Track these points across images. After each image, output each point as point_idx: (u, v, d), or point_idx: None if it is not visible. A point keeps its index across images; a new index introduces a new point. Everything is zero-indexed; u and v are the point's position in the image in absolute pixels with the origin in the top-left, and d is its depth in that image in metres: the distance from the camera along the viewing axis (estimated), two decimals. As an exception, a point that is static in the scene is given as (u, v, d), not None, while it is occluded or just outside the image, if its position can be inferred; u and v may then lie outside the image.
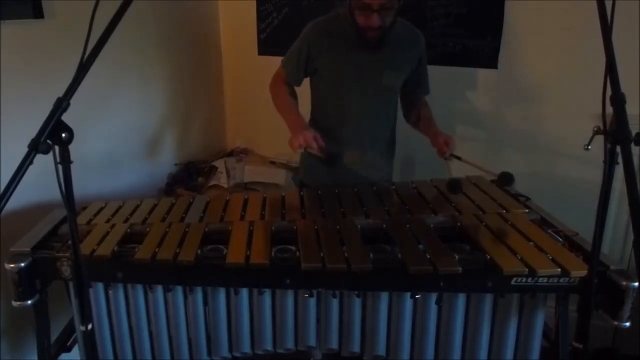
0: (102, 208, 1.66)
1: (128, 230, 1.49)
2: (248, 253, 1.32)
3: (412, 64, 1.79)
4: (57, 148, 0.90)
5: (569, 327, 1.30)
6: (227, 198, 1.71)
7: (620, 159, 0.89)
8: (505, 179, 1.63)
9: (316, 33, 1.74)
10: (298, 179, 2.07)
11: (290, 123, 1.68)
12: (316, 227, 1.45)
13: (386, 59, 1.73)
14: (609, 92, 0.91)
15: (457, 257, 1.28)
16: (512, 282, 1.22)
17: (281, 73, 1.85)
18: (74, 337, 1.57)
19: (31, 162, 0.85)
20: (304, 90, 1.88)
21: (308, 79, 1.85)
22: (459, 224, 1.47)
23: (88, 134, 1.94)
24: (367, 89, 1.75)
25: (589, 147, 1.00)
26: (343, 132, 1.80)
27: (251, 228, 1.47)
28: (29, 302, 1.34)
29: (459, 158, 1.65)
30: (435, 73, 2.33)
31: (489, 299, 1.31)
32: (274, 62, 1.91)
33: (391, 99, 1.84)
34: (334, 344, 1.38)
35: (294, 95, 1.85)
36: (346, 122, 1.79)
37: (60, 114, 0.89)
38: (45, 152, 0.86)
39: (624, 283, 1.16)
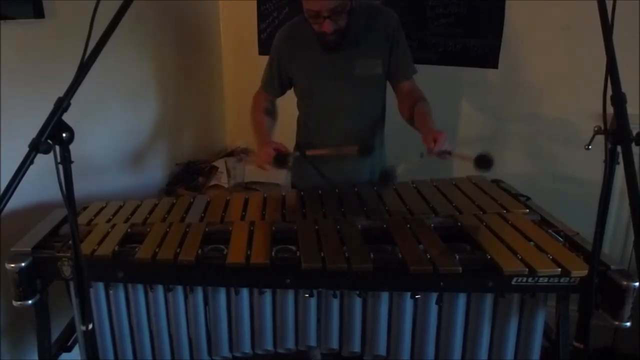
0: (102, 208, 1.66)
1: (129, 230, 1.49)
2: (248, 253, 1.33)
3: (385, 46, 1.73)
4: (57, 148, 0.90)
5: (570, 326, 1.30)
6: (228, 198, 1.71)
7: (621, 159, 0.89)
8: (482, 162, 1.49)
9: (283, 41, 1.76)
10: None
11: (256, 142, 1.72)
12: (316, 227, 1.45)
13: (356, 49, 1.70)
14: (609, 92, 0.91)
15: (457, 257, 1.28)
16: (513, 282, 1.23)
17: (258, 93, 1.88)
18: (74, 337, 1.57)
19: (32, 162, 0.85)
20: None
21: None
22: (459, 223, 1.47)
23: (88, 133, 1.94)
24: (343, 85, 1.74)
25: (590, 147, 1.00)
26: (328, 132, 1.80)
27: (252, 228, 1.47)
28: (30, 302, 1.34)
29: (449, 153, 1.52)
30: (436, 73, 2.34)
31: (489, 298, 1.31)
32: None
33: (372, 90, 1.79)
34: (335, 344, 1.38)
35: (273, 111, 1.86)
36: (329, 121, 1.79)
37: (61, 114, 0.89)
38: (46, 152, 0.86)
39: (625, 283, 1.16)
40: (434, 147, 1.48)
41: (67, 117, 0.90)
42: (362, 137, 1.82)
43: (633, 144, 0.88)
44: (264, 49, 2.68)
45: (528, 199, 1.63)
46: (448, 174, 2.12)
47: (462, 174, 1.86)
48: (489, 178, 1.81)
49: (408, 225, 1.45)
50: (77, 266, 1.03)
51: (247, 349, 1.42)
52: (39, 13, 1.66)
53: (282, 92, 1.86)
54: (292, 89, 1.87)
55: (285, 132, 1.89)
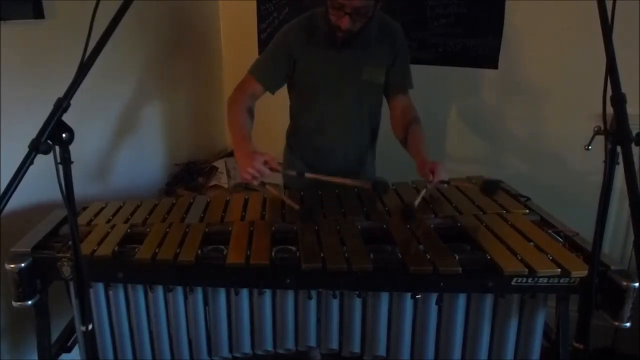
0: (102, 208, 1.66)
1: (128, 230, 1.49)
2: (248, 253, 1.32)
3: (390, 57, 1.76)
4: (57, 148, 0.90)
5: (570, 327, 1.30)
6: (228, 198, 1.71)
7: (620, 159, 0.89)
8: (489, 188, 1.55)
9: (294, 33, 1.72)
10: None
11: (238, 151, 1.55)
12: (316, 227, 1.45)
13: (364, 55, 1.71)
14: (609, 92, 0.91)
15: (457, 257, 1.28)
16: (513, 282, 1.22)
17: (245, 85, 1.74)
18: (74, 337, 1.57)
19: (32, 163, 0.85)
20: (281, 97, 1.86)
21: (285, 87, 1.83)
22: (459, 224, 1.47)
23: (88, 133, 1.94)
24: (347, 86, 1.74)
25: (590, 147, 1.00)
26: (323, 132, 1.79)
27: (251, 228, 1.47)
28: (30, 302, 1.34)
29: (447, 183, 1.56)
30: (436, 73, 2.34)
31: (489, 299, 1.31)
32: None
33: (372, 96, 1.81)
34: (334, 344, 1.38)
35: (251, 113, 1.70)
36: (326, 122, 1.79)
37: (61, 114, 0.89)
38: (46, 153, 0.86)
39: (625, 283, 1.16)
40: (432, 179, 1.50)
41: (67, 117, 0.91)
42: (360, 136, 1.82)
43: (633, 144, 0.89)
44: (264, 49, 2.67)
45: (528, 199, 1.63)
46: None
47: (462, 174, 1.86)
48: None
49: (408, 226, 1.45)
50: (77, 266, 1.03)
51: (247, 349, 1.42)
52: (39, 13, 1.66)
53: (277, 86, 1.77)
54: (288, 91, 1.85)
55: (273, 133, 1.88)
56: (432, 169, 1.51)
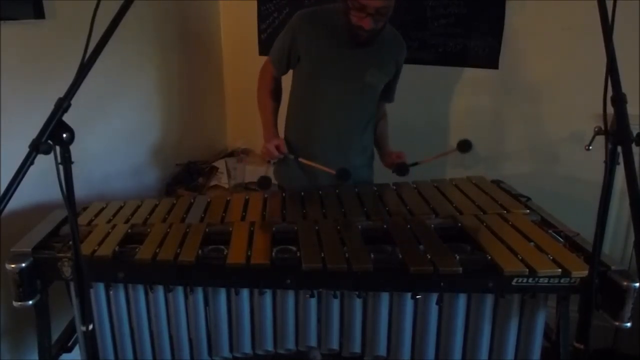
0: (102, 208, 1.66)
1: (129, 230, 1.49)
2: (249, 253, 1.33)
3: (393, 69, 1.82)
4: (58, 148, 0.90)
5: (570, 327, 1.30)
6: (228, 198, 1.71)
7: (621, 159, 0.89)
8: (463, 146, 1.76)
9: (301, 24, 1.74)
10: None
11: (262, 128, 1.82)
12: (317, 227, 1.45)
13: (371, 57, 1.73)
14: (609, 92, 0.91)
15: (457, 257, 1.28)
16: (513, 283, 1.22)
17: (269, 64, 1.85)
18: (74, 337, 1.57)
19: (32, 163, 0.85)
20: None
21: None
22: (459, 224, 1.47)
23: (88, 134, 1.94)
24: (348, 85, 1.75)
25: (590, 147, 1.00)
26: (319, 129, 1.79)
27: (252, 228, 1.47)
28: (30, 302, 1.34)
29: (416, 164, 1.79)
30: (436, 73, 2.34)
31: (489, 299, 1.31)
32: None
33: (372, 98, 1.83)
34: (335, 345, 1.38)
35: (278, 91, 1.88)
36: (323, 118, 1.78)
37: (61, 115, 0.89)
38: (46, 153, 0.86)
39: (625, 283, 1.16)
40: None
41: (68, 118, 0.90)
42: (353, 138, 1.82)
43: (633, 144, 0.89)
44: (264, 49, 2.68)
45: (528, 199, 1.63)
46: (443, 174, 2.13)
47: (461, 174, 1.86)
48: (489, 178, 1.81)
49: (408, 226, 1.45)
50: (77, 267, 1.03)
51: (248, 349, 1.42)
52: (39, 13, 1.66)
53: (287, 70, 1.85)
54: (292, 79, 1.85)
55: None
56: (399, 155, 1.82)
